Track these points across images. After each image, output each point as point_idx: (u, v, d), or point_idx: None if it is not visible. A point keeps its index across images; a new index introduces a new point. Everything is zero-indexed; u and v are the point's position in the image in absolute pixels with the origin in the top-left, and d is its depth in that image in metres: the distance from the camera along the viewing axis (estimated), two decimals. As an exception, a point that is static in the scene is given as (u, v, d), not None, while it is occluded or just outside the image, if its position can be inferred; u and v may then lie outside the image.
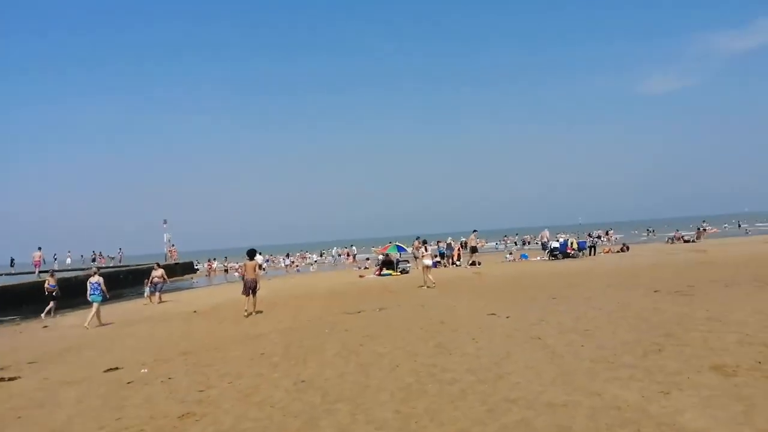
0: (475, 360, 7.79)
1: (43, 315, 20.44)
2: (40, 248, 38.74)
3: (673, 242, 41.52)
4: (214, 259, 57.42)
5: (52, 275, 22.40)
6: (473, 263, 29.56)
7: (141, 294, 27.64)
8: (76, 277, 32.15)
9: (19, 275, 40.82)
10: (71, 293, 23.05)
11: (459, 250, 31.55)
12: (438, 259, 31.54)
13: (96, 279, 16.44)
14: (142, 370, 9.12)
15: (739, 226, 66.18)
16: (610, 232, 51.05)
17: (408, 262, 29.34)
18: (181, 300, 23.21)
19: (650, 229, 71.02)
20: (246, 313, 15.10)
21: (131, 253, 67.75)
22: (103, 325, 16.47)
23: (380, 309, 14.30)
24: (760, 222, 72.94)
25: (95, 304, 16.20)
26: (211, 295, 24.55)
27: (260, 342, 10.92)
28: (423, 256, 20.00)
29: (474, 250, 29.11)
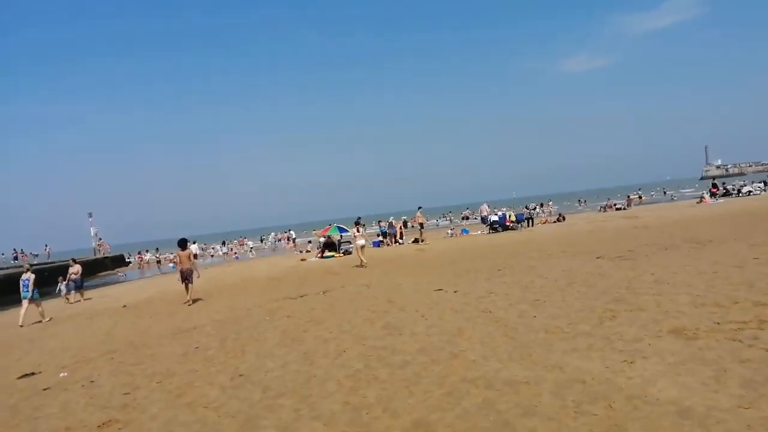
0: (426, 339, 7.34)
1: None
2: None
3: (605, 210, 42.82)
4: (146, 251, 54.89)
5: None
6: (417, 240, 29.38)
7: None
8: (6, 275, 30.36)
9: None
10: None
11: (401, 228, 31.23)
12: (380, 238, 31.21)
13: (27, 276, 15.76)
14: (61, 374, 8.14)
15: (665, 193, 69.52)
16: (549, 203, 52.08)
17: (350, 243, 28.75)
18: (110, 295, 21.63)
19: (581, 200, 73.41)
20: (186, 302, 14.99)
21: (60, 249, 63.88)
22: (48, 321, 15.64)
23: (324, 292, 13.68)
24: (683, 189, 76.97)
25: (25, 301, 15.48)
26: (142, 288, 23.08)
27: (194, 335, 10.08)
28: (355, 237, 20.25)
29: (421, 226, 28.84)
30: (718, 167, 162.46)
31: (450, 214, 64.35)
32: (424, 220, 29.10)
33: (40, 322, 15.50)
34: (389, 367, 6.25)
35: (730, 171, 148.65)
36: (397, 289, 12.64)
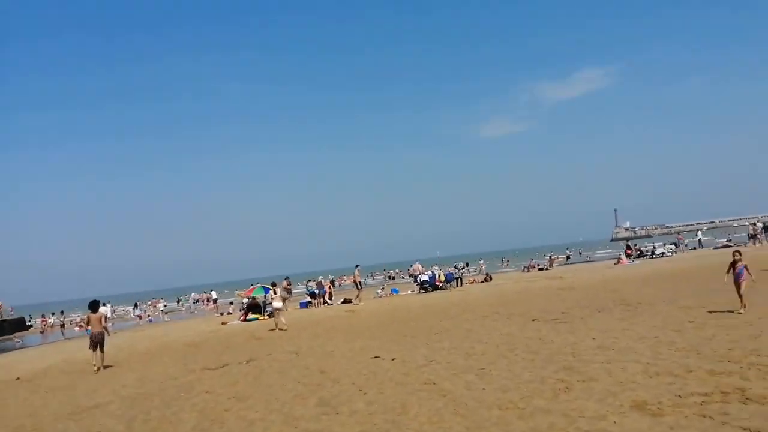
0: (368, 418, 6.53)
1: None
2: None
3: (528, 270, 43.86)
4: (52, 314, 50.08)
5: None
6: (347, 301, 28.44)
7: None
8: None
9: None
10: None
11: (330, 288, 30.20)
12: (309, 299, 30.00)
13: None
14: None
15: (580, 254, 72.59)
16: (480, 262, 52.52)
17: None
18: (3, 365, 19.00)
19: (504, 259, 75.16)
20: (95, 368, 14.02)
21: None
22: None
23: (248, 361, 12.49)
24: (598, 250, 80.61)
25: None
26: (43, 355, 20.53)
27: (96, 416, 8.66)
28: (273, 299, 19.83)
29: (359, 285, 27.74)
30: (626, 229, 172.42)
31: (383, 272, 63.67)
32: (361, 279, 28.11)
33: None
34: (328, 457, 5.38)
35: (638, 233, 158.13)
36: (329, 356, 11.73)
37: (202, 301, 48.85)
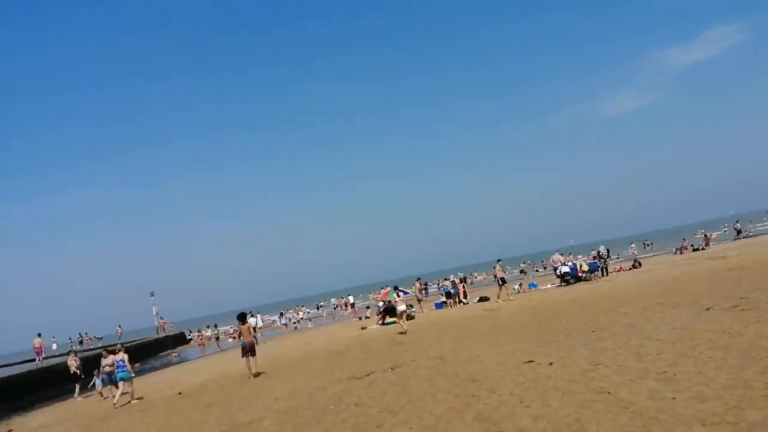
0: (539, 438, 5.70)
1: (75, 395, 20.13)
2: (39, 334, 35.94)
3: (681, 252, 39.75)
4: (208, 327, 54.54)
5: (75, 354, 21.82)
6: (483, 299, 27.46)
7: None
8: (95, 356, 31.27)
9: (20, 364, 37.60)
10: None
11: (464, 287, 29.39)
12: (444, 299, 29.44)
13: (121, 356, 15.96)
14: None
15: (736, 230, 64.58)
16: (632, 245, 48.43)
17: (413, 306, 27.12)
18: (166, 380, 20.61)
19: (647, 243, 68.86)
20: (250, 375, 15.30)
21: (125, 328, 64.54)
22: (139, 399, 15.77)
23: (392, 368, 12.13)
24: (753, 223, 71.13)
25: (122, 383, 15.72)
26: (199, 370, 22.04)
27: (251, 433, 8.72)
28: (396, 302, 20.10)
29: (503, 281, 26.00)
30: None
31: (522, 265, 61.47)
32: (503, 273, 26.62)
33: (129, 402, 15.37)
34: (502, 488, 4.66)
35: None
36: (476, 361, 10.97)
37: (341, 306, 50.38)
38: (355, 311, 43.28)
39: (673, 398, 6.07)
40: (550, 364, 9.28)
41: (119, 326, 54.92)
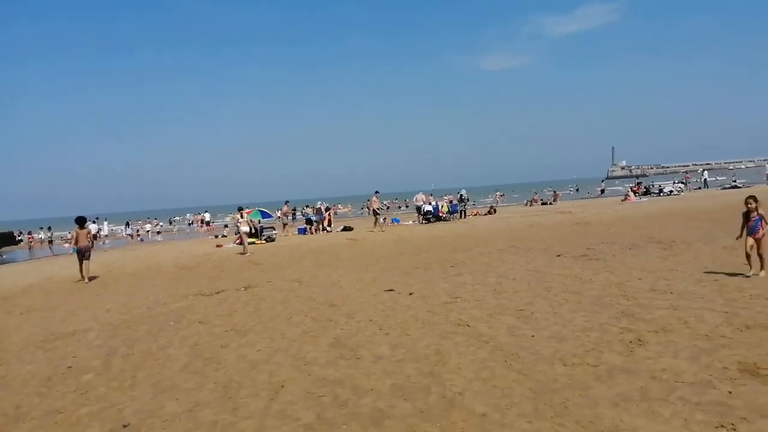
0: (397, 368, 5.34)
1: None
2: None
3: (531, 204, 42.77)
4: (41, 229, 48.90)
5: None
6: (347, 228, 27.32)
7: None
8: None
9: None
10: None
11: (329, 215, 28.98)
12: (306, 225, 28.86)
13: None
14: None
15: (577, 190, 71.25)
16: (497, 193, 51.21)
17: (274, 228, 26.18)
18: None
19: (499, 193, 73.58)
20: (83, 279, 14.86)
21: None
22: None
23: (245, 288, 11.34)
24: (594, 186, 79.05)
25: None
26: (26, 273, 19.42)
27: (71, 344, 7.53)
28: (240, 223, 20.51)
29: (376, 213, 26.51)
30: (622, 168, 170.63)
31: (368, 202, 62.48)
32: (380, 205, 26.71)
33: None
34: (358, 421, 4.20)
35: (634, 172, 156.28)
36: (336, 287, 10.56)
37: (196, 223, 47.83)
38: (211, 229, 41.29)
39: (533, 336, 6.04)
40: (410, 294, 9.11)
41: None
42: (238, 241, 24.26)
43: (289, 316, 8.16)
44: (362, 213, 56.70)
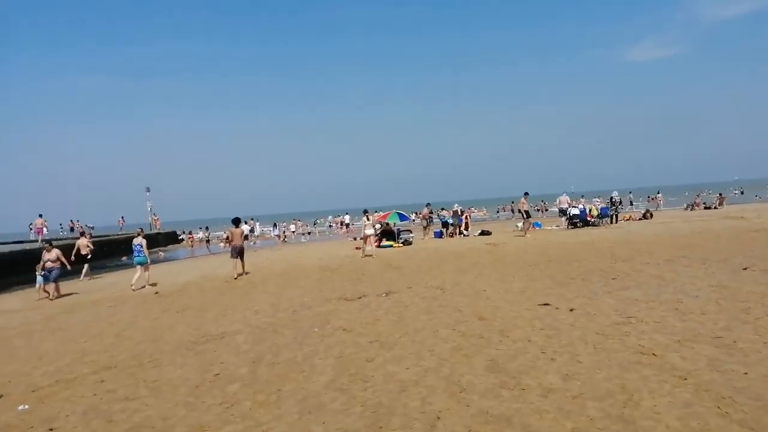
0: (576, 406, 4.45)
1: (81, 277, 20.29)
2: (41, 215, 35.47)
3: (692, 209, 38.32)
4: (200, 229, 53.65)
5: (89, 236, 22.65)
6: (485, 233, 26.29)
7: (118, 266, 24.53)
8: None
9: (21, 243, 37.03)
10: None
11: (468, 218, 28.12)
12: (443, 228, 28.25)
13: (139, 240, 16.03)
14: (20, 407, 5.71)
15: (742, 192, 62.92)
16: (658, 195, 47.71)
17: (411, 231, 25.92)
18: (149, 276, 19.54)
19: (651, 196, 67.24)
20: (236, 275, 16.01)
21: (111, 223, 64.07)
22: (152, 285, 16.14)
23: (387, 293, 10.96)
24: (757, 189, 69.25)
25: (139, 267, 15.97)
26: (183, 270, 21.04)
27: (220, 349, 7.57)
28: (365, 226, 20.24)
29: (528, 214, 24.68)
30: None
31: (512, 204, 60.12)
32: (528, 207, 24.91)
33: (144, 287, 15.64)
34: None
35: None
36: (482, 297, 9.75)
37: (336, 225, 49.41)
38: (351, 231, 42.31)
39: (745, 373, 4.80)
40: (571, 310, 8.04)
41: (122, 217, 54.29)
42: (376, 243, 24.32)
43: (435, 329, 7.54)
44: (497, 216, 54.99)
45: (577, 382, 4.96)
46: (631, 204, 43.00)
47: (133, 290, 15.21)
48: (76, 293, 16.06)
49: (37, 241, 34.03)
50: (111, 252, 36.35)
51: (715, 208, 37.50)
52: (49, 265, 15.41)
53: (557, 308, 8.25)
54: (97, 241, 28.56)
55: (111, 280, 19.92)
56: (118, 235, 44.10)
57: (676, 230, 20.92)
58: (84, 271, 20.53)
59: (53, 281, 15.42)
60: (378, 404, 4.87)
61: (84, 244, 20.77)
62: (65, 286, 16.92)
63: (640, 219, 30.49)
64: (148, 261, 16.21)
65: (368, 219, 20.55)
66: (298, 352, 6.97)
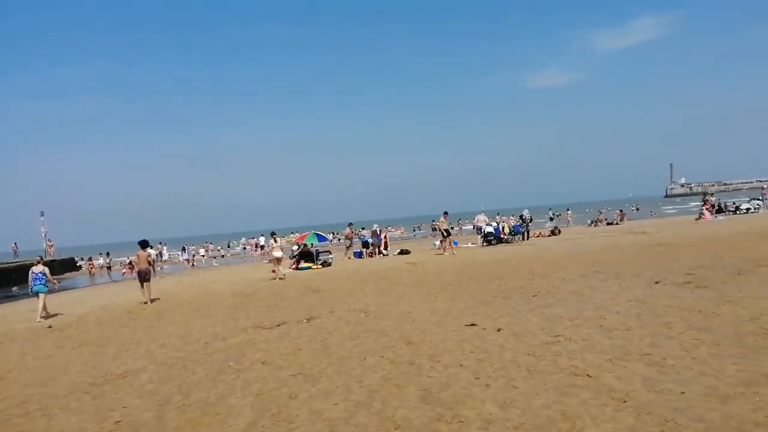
0: (517, 436, 4.17)
1: None
2: None
3: (596, 225, 40.55)
4: (100, 255, 49.91)
5: None
6: (403, 252, 26.27)
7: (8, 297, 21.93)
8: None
9: None
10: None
11: (386, 237, 27.99)
12: (362, 248, 27.94)
13: (41, 268, 14.81)
14: None
15: (637, 209, 67.67)
16: (567, 212, 49.63)
17: (330, 252, 25.34)
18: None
19: (556, 213, 70.70)
20: (144, 302, 15.33)
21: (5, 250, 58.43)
22: (51, 316, 14.86)
23: (308, 320, 10.37)
24: (655, 205, 74.95)
25: (41, 295, 14.66)
26: (81, 300, 19.21)
27: (121, 389, 6.69)
28: (272, 248, 20.08)
29: (447, 233, 24.47)
30: (682, 185, 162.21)
31: (420, 224, 61.09)
32: (447, 226, 24.78)
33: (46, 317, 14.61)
34: None
35: (695, 189, 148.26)
36: (407, 319, 9.43)
37: (250, 247, 47.77)
38: (266, 253, 40.98)
39: (682, 393, 4.74)
40: (498, 330, 7.89)
41: (14, 243, 49.60)
42: (294, 266, 23.53)
43: (362, 357, 7.10)
44: (414, 235, 55.57)
45: (516, 411, 4.70)
46: (551, 219, 44.66)
47: (39, 321, 14.17)
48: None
49: None
50: (18, 280, 33.13)
51: (617, 224, 39.90)
52: None
53: (484, 329, 8.07)
54: (2, 268, 25.71)
55: (21, 308, 17.89)
56: (9, 263, 40.13)
57: (585, 246, 21.83)
58: None
59: None
60: (305, 450, 4.34)
61: None
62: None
63: (549, 235, 31.78)
64: (49, 290, 15.10)
65: (275, 241, 20.14)
66: (212, 390, 6.27)
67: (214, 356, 8.08)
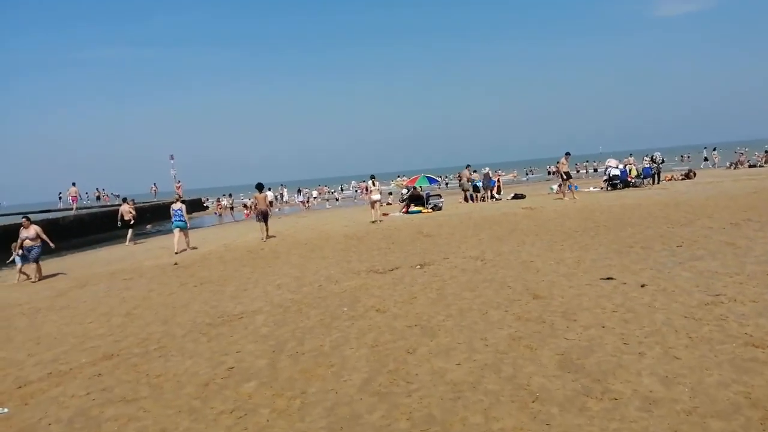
0: (694, 426, 3.36)
1: (126, 242, 21.34)
2: (74, 183, 35.70)
3: (735, 167, 36.13)
4: (223, 196, 52.91)
5: (131, 202, 22.83)
6: (518, 196, 25.00)
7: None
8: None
9: (55, 211, 37.14)
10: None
11: (499, 181, 26.71)
12: (471, 192, 26.87)
13: (179, 206, 16.51)
14: (1, 411, 4.86)
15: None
16: (714, 153, 45.09)
17: (440, 196, 24.66)
18: (169, 246, 18.73)
19: (684, 155, 64.84)
20: (262, 239, 16.75)
21: (139, 191, 64.15)
22: (193, 248, 16.52)
23: (421, 266, 9.90)
24: None
25: (177, 230, 16.38)
26: (207, 239, 20.20)
27: (237, 333, 6.62)
28: (371, 191, 20.15)
29: (568, 175, 22.74)
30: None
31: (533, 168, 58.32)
32: (568, 168, 22.88)
33: (185, 250, 16.17)
34: None
35: None
36: (531, 270, 8.61)
37: (361, 190, 48.31)
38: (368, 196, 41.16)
39: None
40: (642, 286, 6.87)
41: (154, 184, 52.82)
42: (404, 209, 23.17)
43: (483, 310, 6.47)
44: (527, 179, 53.26)
45: (685, 389, 3.85)
46: (706, 159, 40.28)
47: (176, 253, 15.59)
48: (62, 273, 14.58)
49: (72, 209, 33.95)
50: (153, 218, 36.72)
51: (761, 166, 35.34)
52: (28, 243, 13.73)
53: (624, 283, 7.09)
54: (139, 207, 28.55)
55: (152, 245, 20.18)
56: (145, 203, 43.71)
57: (728, 190, 19.31)
58: (128, 236, 21.56)
59: (34, 261, 13.75)
60: (428, 418, 3.83)
61: (127, 210, 21.39)
62: (84, 255, 16.30)
63: (682, 179, 28.76)
64: (188, 226, 16.78)
65: (374, 185, 20.23)
66: (326, 338, 5.99)
67: (328, 300, 7.86)
